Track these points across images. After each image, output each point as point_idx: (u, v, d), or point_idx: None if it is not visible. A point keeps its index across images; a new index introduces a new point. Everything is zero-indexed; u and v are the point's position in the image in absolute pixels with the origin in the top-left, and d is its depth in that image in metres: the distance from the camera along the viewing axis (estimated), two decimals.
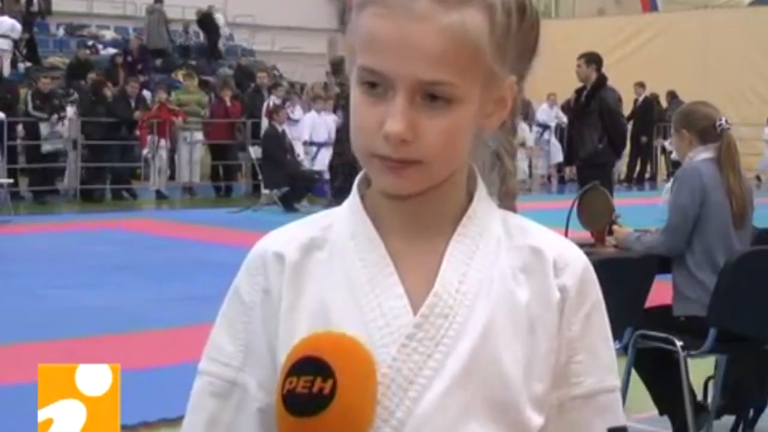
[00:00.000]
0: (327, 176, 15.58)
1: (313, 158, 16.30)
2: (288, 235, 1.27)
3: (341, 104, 7.61)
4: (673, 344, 4.42)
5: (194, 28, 24.83)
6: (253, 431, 1.24)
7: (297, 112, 17.14)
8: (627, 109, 20.88)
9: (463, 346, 1.17)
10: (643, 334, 4.51)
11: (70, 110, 16.49)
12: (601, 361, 1.24)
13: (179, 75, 21.15)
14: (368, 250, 1.22)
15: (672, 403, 4.60)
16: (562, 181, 21.05)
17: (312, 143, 16.35)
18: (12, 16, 20.56)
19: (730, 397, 4.95)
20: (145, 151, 17.24)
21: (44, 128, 16.14)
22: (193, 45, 24.78)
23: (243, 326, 1.25)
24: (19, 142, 16.44)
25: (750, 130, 17.91)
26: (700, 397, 4.88)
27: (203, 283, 8.50)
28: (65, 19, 24.59)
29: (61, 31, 24.36)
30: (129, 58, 21.10)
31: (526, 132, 18.89)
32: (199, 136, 18.13)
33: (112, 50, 22.45)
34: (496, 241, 1.23)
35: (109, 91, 17.00)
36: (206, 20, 24.17)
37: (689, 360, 4.45)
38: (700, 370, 4.97)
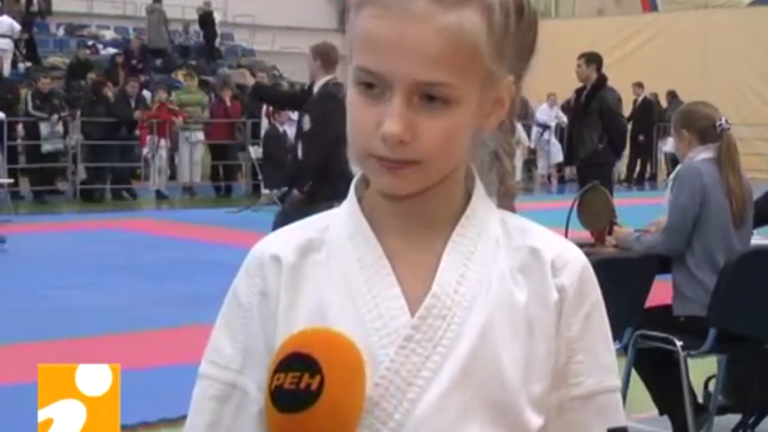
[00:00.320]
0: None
1: None
2: (285, 238, 1.27)
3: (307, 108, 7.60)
4: (673, 344, 4.42)
5: (194, 27, 24.82)
6: None
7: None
8: (627, 109, 20.94)
9: (461, 348, 1.17)
10: (643, 334, 4.51)
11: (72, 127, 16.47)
12: (601, 361, 1.24)
13: (179, 75, 21.16)
14: (366, 251, 1.21)
15: (672, 403, 4.60)
16: (562, 181, 21.05)
17: None
18: (12, 16, 20.56)
19: (732, 397, 4.96)
20: (145, 151, 17.25)
21: (44, 128, 16.14)
22: (193, 45, 24.77)
23: (242, 329, 1.25)
24: (19, 142, 16.43)
25: (750, 130, 17.91)
26: (700, 397, 4.88)
27: (203, 283, 8.50)
28: (65, 19, 24.59)
29: (61, 31, 24.36)
30: (130, 59, 21.09)
31: (521, 132, 18.87)
32: (199, 136, 18.13)
33: (112, 50, 22.44)
34: (494, 241, 1.23)
35: (109, 91, 17.00)
36: (206, 20, 24.18)
37: (689, 360, 4.45)
38: (700, 370, 4.97)
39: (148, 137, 17.12)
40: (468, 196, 1.24)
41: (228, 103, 18.12)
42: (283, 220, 7.47)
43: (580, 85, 10.18)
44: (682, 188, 4.59)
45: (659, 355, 4.55)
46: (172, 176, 18.03)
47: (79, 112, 16.43)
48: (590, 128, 9.83)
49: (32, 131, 16.23)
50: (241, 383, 1.25)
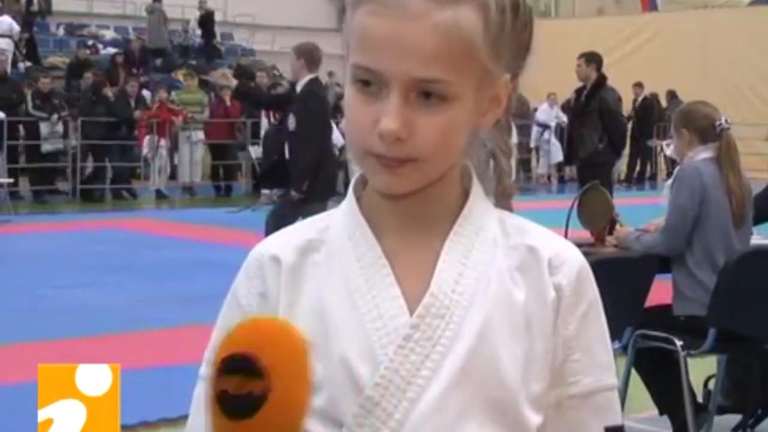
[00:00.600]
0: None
1: None
2: (285, 238, 1.27)
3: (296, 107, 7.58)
4: (673, 344, 4.42)
5: (194, 27, 24.81)
6: None
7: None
8: (626, 109, 20.94)
9: (460, 347, 1.17)
10: (643, 334, 4.52)
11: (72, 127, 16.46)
12: (599, 360, 1.24)
13: (179, 75, 21.16)
14: (365, 251, 1.22)
15: (672, 402, 4.60)
16: (562, 180, 21.05)
17: None
18: (12, 15, 20.56)
19: (732, 397, 4.96)
20: (144, 151, 17.25)
21: (44, 128, 16.14)
22: (193, 45, 24.77)
23: None
24: (21, 141, 16.42)
25: (750, 129, 17.91)
26: (700, 397, 4.88)
27: (203, 283, 8.50)
28: (65, 18, 24.58)
29: (61, 31, 24.35)
30: (131, 59, 21.08)
31: (513, 130, 18.85)
32: (199, 135, 18.13)
33: (112, 50, 22.44)
34: (492, 240, 1.23)
35: (109, 91, 17.00)
36: (206, 20, 24.17)
37: (689, 360, 4.45)
38: (700, 370, 4.97)
39: (147, 137, 17.12)
40: (466, 195, 1.25)
41: (228, 103, 18.12)
42: (275, 220, 7.48)
43: (579, 84, 10.19)
44: (682, 188, 4.59)
45: (659, 355, 4.55)
46: (172, 176, 18.03)
47: (76, 112, 16.40)
48: (590, 128, 9.83)
49: (32, 131, 16.23)
50: None
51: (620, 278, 4.23)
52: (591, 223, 5.00)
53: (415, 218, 1.23)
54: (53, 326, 7.25)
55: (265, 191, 15.92)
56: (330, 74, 20.98)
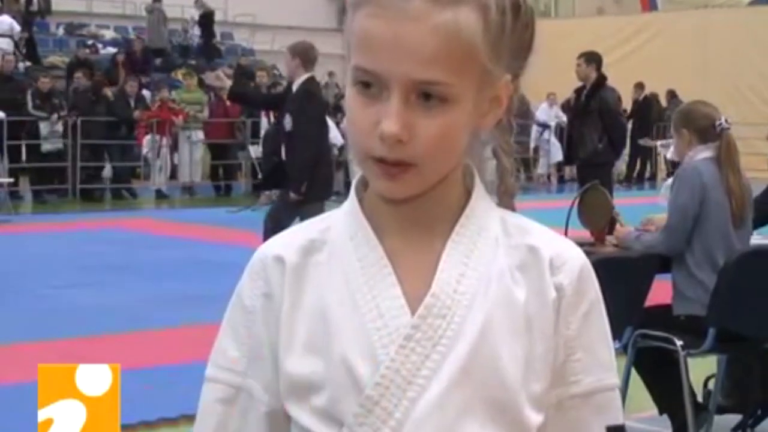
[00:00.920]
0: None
1: None
2: (288, 239, 1.27)
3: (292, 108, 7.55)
4: (673, 344, 4.42)
5: (194, 27, 24.81)
6: None
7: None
8: (626, 109, 20.93)
9: (461, 347, 1.17)
10: (643, 334, 4.52)
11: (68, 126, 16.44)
12: (600, 359, 1.24)
13: (179, 74, 21.15)
14: (366, 251, 1.22)
15: (672, 402, 4.60)
16: (562, 180, 21.05)
17: None
18: (12, 15, 20.56)
19: (732, 396, 4.96)
20: (145, 151, 17.24)
21: (44, 127, 16.14)
22: (193, 44, 24.77)
23: (246, 331, 1.26)
24: (23, 141, 16.40)
25: (750, 129, 17.90)
26: (700, 396, 4.88)
27: (203, 283, 8.51)
28: (65, 18, 24.57)
29: (60, 31, 24.34)
30: (133, 59, 21.07)
31: None
32: (199, 135, 18.13)
33: (111, 49, 22.44)
34: (494, 239, 1.23)
35: (109, 91, 16.99)
36: (206, 19, 24.17)
37: (689, 359, 4.45)
38: (699, 370, 4.97)
39: (148, 136, 17.12)
40: (468, 195, 1.25)
41: (228, 103, 18.11)
42: (273, 220, 7.48)
43: (579, 84, 10.19)
44: (682, 187, 4.59)
45: (659, 355, 4.55)
46: (172, 176, 18.03)
47: (74, 112, 16.38)
48: (590, 128, 9.83)
49: (32, 131, 16.22)
50: (246, 385, 1.25)
51: (620, 278, 4.23)
52: (591, 222, 5.01)
53: (416, 220, 1.23)
54: (53, 326, 7.25)
55: (265, 191, 15.93)
56: (330, 74, 20.99)
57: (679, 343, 4.41)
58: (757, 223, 4.96)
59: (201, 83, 19.07)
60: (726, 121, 4.65)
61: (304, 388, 1.20)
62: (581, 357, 1.23)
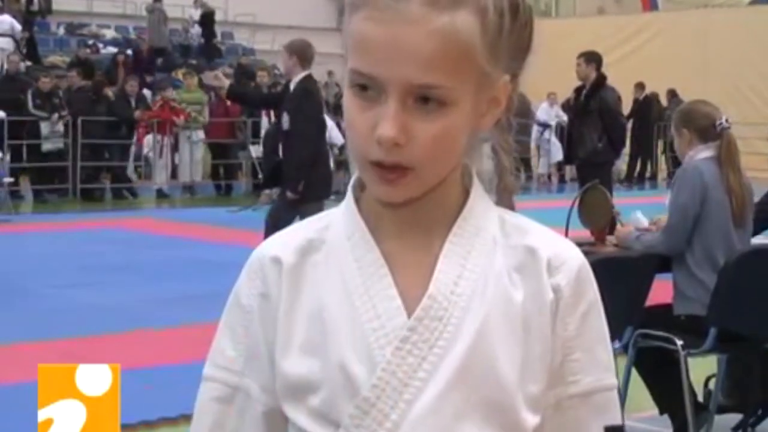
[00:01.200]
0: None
1: None
2: (285, 239, 1.27)
3: (289, 107, 7.53)
4: (674, 343, 4.42)
5: (193, 23, 24.81)
6: None
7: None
8: (626, 109, 20.93)
9: (457, 349, 1.17)
10: (643, 334, 4.51)
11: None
12: (598, 359, 1.24)
13: (179, 74, 21.16)
14: (363, 251, 1.21)
15: (672, 402, 4.60)
16: (562, 180, 21.05)
17: None
18: (12, 15, 20.55)
19: (732, 396, 4.96)
20: (145, 150, 17.24)
21: (44, 127, 16.14)
22: (193, 44, 24.78)
23: (243, 331, 1.26)
24: (24, 141, 16.40)
25: (750, 129, 17.90)
26: (700, 396, 4.88)
27: (203, 283, 8.51)
28: (65, 18, 24.59)
29: (61, 30, 24.36)
30: (140, 59, 21.08)
31: None
32: (200, 134, 18.13)
33: (112, 49, 22.44)
34: (492, 240, 1.22)
35: (109, 91, 16.99)
36: (206, 19, 24.17)
37: (689, 359, 4.45)
38: (700, 370, 4.97)
39: (149, 136, 17.11)
40: (466, 195, 1.24)
41: (228, 102, 18.11)
42: (274, 220, 7.47)
43: (579, 84, 10.19)
44: (682, 187, 4.59)
45: (659, 355, 4.55)
46: (173, 175, 18.04)
47: (66, 111, 16.37)
48: (590, 127, 9.84)
49: (32, 130, 16.22)
50: (243, 385, 1.25)
51: (620, 278, 4.23)
52: (591, 222, 5.00)
53: (414, 222, 1.22)
54: (53, 326, 7.26)
55: (266, 191, 15.93)
56: (330, 73, 21.00)
57: (679, 342, 4.41)
58: (757, 229, 4.95)
59: (201, 83, 19.08)
60: (726, 120, 4.65)
61: (300, 388, 1.20)
62: (580, 357, 1.22)
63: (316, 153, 7.72)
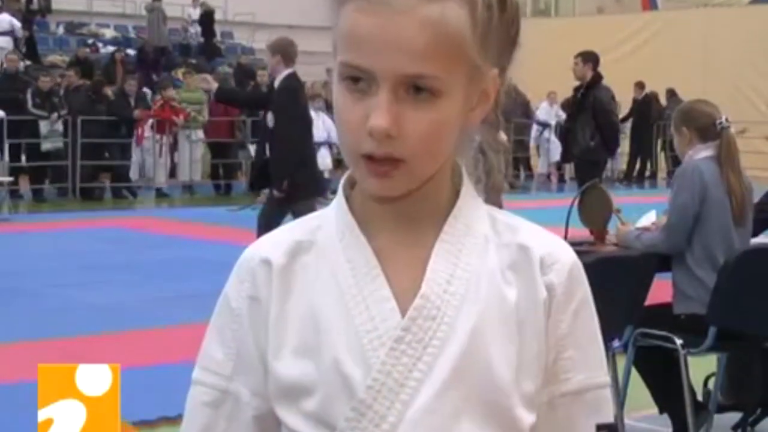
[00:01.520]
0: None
1: None
2: (275, 240, 1.26)
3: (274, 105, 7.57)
4: (674, 342, 4.42)
5: (194, 26, 24.82)
6: None
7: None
8: (626, 108, 20.94)
9: (452, 348, 1.17)
10: (643, 333, 4.52)
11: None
12: (590, 357, 1.24)
13: (179, 73, 21.15)
14: (355, 252, 1.21)
15: (672, 401, 4.60)
16: (562, 179, 21.04)
17: None
18: (12, 14, 20.56)
19: (732, 395, 4.96)
20: (145, 150, 17.23)
21: (44, 126, 16.14)
22: (193, 43, 24.78)
23: (232, 334, 1.25)
24: (23, 140, 16.39)
25: (750, 128, 17.89)
26: (700, 395, 4.88)
27: (203, 282, 8.49)
28: (65, 17, 24.59)
29: (61, 30, 24.36)
30: (145, 59, 21.07)
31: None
32: (199, 134, 18.13)
33: (112, 48, 22.45)
34: (483, 238, 1.22)
35: (109, 90, 16.99)
36: (206, 18, 24.17)
37: (689, 358, 4.45)
38: (700, 369, 4.97)
39: (149, 135, 17.10)
40: (456, 194, 1.24)
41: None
42: (266, 220, 7.47)
43: (579, 83, 10.20)
44: (682, 186, 4.59)
45: (659, 354, 4.55)
46: (172, 174, 18.03)
47: (66, 110, 16.36)
48: (583, 126, 9.86)
49: (32, 130, 16.22)
50: (233, 389, 1.25)
51: (620, 277, 4.24)
52: (591, 221, 5.00)
53: (405, 218, 1.22)
54: (53, 326, 7.25)
55: (264, 190, 15.92)
56: (328, 71, 20.97)
57: (679, 341, 4.41)
58: (759, 229, 4.95)
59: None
60: (726, 119, 4.65)
61: (294, 391, 1.19)
62: (571, 355, 1.22)
63: (302, 151, 7.71)
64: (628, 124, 21.54)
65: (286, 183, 7.46)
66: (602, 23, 25.42)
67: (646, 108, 21.24)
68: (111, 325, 7.30)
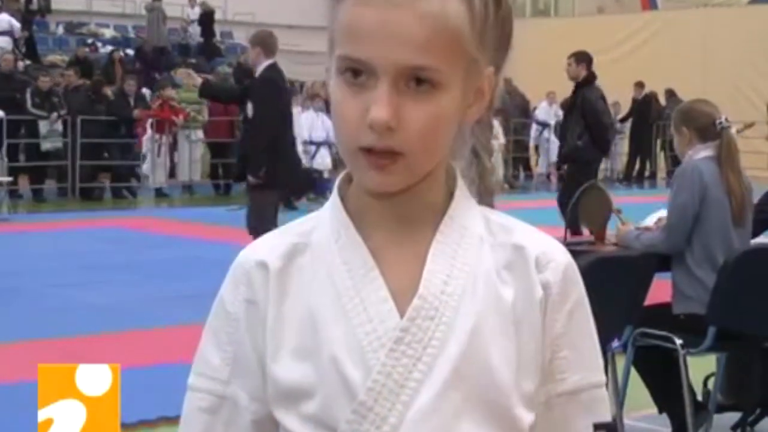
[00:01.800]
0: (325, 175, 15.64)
1: (312, 157, 16.34)
2: (271, 243, 1.26)
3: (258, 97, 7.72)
4: (673, 342, 4.42)
5: (194, 26, 24.81)
6: None
7: (295, 110, 17.12)
8: (625, 108, 20.94)
9: (451, 348, 1.17)
10: (642, 333, 4.52)
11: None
12: (586, 357, 1.25)
13: (178, 73, 21.13)
14: (352, 253, 1.21)
15: (671, 401, 4.60)
16: (561, 179, 21.02)
17: (311, 142, 16.39)
18: (11, 14, 20.55)
19: (731, 395, 4.96)
20: (145, 149, 17.23)
21: (43, 126, 16.13)
22: (192, 43, 24.77)
23: (228, 338, 1.24)
24: (24, 141, 16.38)
25: (750, 128, 17.88)
26: (699, 395, 4.88)
27: (203, 282, 8.46)
28: (65, 17, 24.58)
29: (60, 29, 24.36)
30: (145, 59, 21.07)
31: (498, 129, 18.81)
32: (199, 134, 18.12)
33: (111, 48, 22.44)
34: (478, 239, 1.22)
35: (108, 90, 16.98)
36: (206, 18, 24.16)
37: (689, 358, 4.45)
38: (699, 369, 4.97)
39: (148, 134, 17.10)
40: (450, 196, 1.24)
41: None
42: (255, 215, 7.51)
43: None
44: (682, 186, 4.59)
45: (659, 354, 4.55)
46: (172, 174, 18.02)
47: (65, 110, 16.35)
48: (572, 125, 9.87)
49: (31, 129, 16.22)
50: (230, 394, 1.24)
51: (620, 277, 4.23)
52: (590, 221, 5.00)
53: (401, 217, 1.22)
54: (53, 325, 7.25)
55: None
56: (328, 70, 20.93)
57: (678, 341, 4.41)
58: (758, 229, 4.95)
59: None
60: (726, 119, 4.65)
61: (294, 394, 1.19)
62: (567, 355, 1.23)
63: (278, 140, 7.77)
64: (628, 124, 21.56)
65: (263, 170, 7.54)
66: (602, 23, 25.42)
67: (645, 108, 21.24)
68: (111, 325, 7.30)
